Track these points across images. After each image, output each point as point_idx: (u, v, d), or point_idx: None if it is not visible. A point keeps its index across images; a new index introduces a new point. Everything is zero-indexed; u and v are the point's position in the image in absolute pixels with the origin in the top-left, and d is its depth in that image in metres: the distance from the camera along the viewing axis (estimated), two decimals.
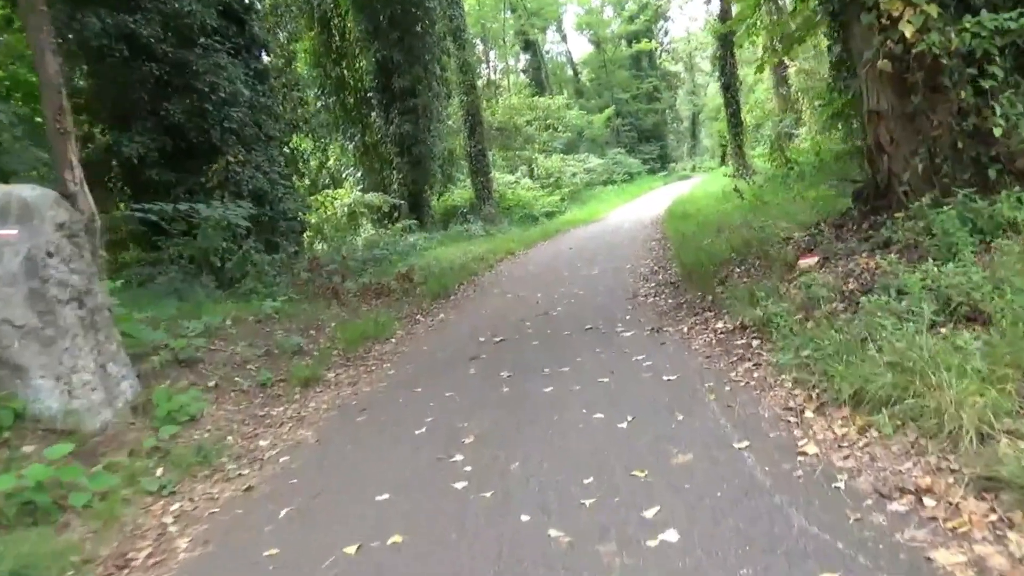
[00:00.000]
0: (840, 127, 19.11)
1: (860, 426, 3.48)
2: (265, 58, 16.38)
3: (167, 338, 7.01)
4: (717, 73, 24.74)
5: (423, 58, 20.21)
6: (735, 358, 5.07)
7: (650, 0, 45.04)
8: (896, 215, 5.76)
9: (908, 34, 5.20)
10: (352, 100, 22.11)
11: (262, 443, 5.32)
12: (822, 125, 23.53)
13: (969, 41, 5.04)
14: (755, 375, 4.62)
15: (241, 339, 7.79)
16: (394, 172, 20.94)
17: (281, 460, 4.88)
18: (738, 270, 7.65)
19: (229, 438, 5.49)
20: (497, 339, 7.49)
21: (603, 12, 47.46)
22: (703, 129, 57.78)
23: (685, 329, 6.25)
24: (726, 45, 23.94)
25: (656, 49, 48.19)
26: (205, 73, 12.78)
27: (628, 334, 6.52)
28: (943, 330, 4.09)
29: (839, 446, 3.36)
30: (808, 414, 3.80)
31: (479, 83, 30.12)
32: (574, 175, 33.71)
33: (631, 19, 45.47)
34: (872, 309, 4.51)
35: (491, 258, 15.68)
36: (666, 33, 50.56)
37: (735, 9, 25.38)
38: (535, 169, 31.44)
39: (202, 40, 12.87)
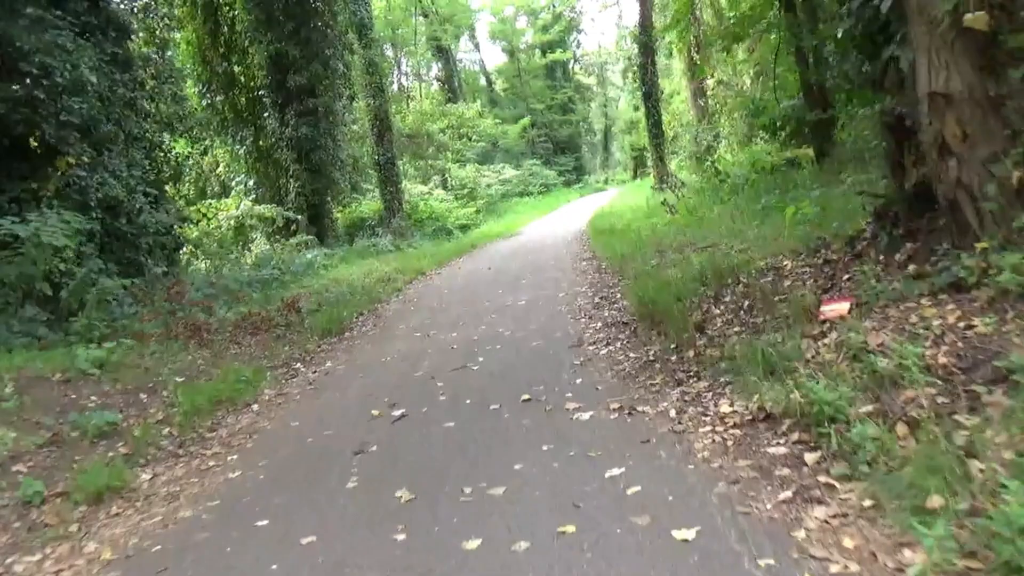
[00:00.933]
0: (768, 138, 17.80)
1: None
2: (132, 44, 13.53)
3: None
4: (638, 82, 23.21)
5: (323, 53, 17.65)
6: (786, 488, 2.97)
7: (563, 11, 43.63)
8: (979, 244, 3.83)
9: None
10: (244, 99, 19.27)
11: None
12: (742, 136, 22.35)
13: None
14: (850, 542, 2.50)
15: (19, 416, 5.20)
16: (291, 180, 18.23)
17: None
18: (717, 311, 5.64)
19: None
20: (397, 412, 5.19)
21: (516, 21, 45.78)
22: (615, 142, 57.07)
23: (672, 412, 4.12)
24: (647, 53, 22.44)
25: (570, 60, 46.85)
26: (35, 52, 9.96)
27: (586, 416, 4.35)
28: None
29: None
30: None
31: (389, 86, 27.68)
32: (489, 186, 31.69)
33: (545, 29, 43.93)
34: None
35: (399, 279, 13.33)
36: (579, 45, 49.39)
37: (657, 17, 24.00)
38: (448, 179, 29.20)
39: (30, 11, 10.05)
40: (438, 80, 42.32)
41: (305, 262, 15.68)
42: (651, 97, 22.64)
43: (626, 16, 58.66)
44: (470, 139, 33.28)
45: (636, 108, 49.31)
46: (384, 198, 22.41)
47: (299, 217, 17.77)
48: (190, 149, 15.97)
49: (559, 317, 7.56)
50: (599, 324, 6.80)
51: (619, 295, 7.96)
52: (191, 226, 15.86)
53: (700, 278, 6.82)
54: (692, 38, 27.24)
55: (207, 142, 18.63)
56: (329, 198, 18.79)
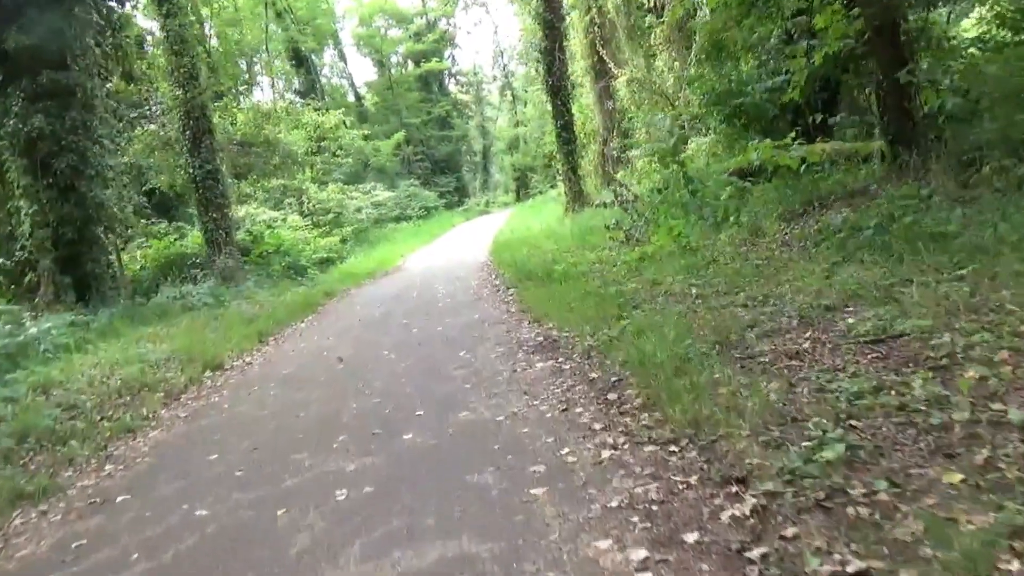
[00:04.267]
0: (738, 132, 12.11)
1: None
2: None
3: None
4: (542, 74, 17.02)
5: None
6: None
7: (438, 19, 37.20)
8: None
9: None
10: None
11: None
12: (665, 137, 16.73)
13: None
14: None
15: None
16: (24, 203, 10.52)
17: None
18: None
19: None
20: None
21: (387, 31, 38.65)
22: (493, 164, 51.19)
23: None
24: (554, 35, 16.35)
25: (445, 72, 40.40)
26: None
27: None
28: None
29: None
30: None
31: (221, 86, 20.03)
32: (359, 210, 24.54)
33: (418, 36, 37.23)
34: None
35: (162, 387, 6.26)
36: (454, 61, 43.04)
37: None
38: (306, 202, 21.83)
39: None
40: (299, 94, 34.58)
41: (16, 344, 8.15)
42: (560, 92, 16.53)
43: (501, 32, 53.39)
44: (334, 155, 26.06)
45: (518, 124, 43.67)
46: (205, 228, 14.88)
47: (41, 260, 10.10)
48: None
49: None
50: None
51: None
52: None
53: None
54: (596, 28, 21.75)
55: None
56: (100, 230, 11.16)
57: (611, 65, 20.39)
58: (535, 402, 3.99)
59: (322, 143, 24.40)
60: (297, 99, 34.06)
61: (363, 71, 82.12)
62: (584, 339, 4.98)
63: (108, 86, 11.59)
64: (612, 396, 3.75)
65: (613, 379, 4.00)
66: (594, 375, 4.22)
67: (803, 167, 8.23)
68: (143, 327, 10.04)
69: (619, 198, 10.14)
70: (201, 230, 15.17)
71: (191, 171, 14.72)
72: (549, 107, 16.56)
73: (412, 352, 6.16)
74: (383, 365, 5.86)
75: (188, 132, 14.64)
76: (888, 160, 7.31)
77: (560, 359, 4.82)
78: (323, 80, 38.54)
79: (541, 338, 5.58)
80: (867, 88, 9.47)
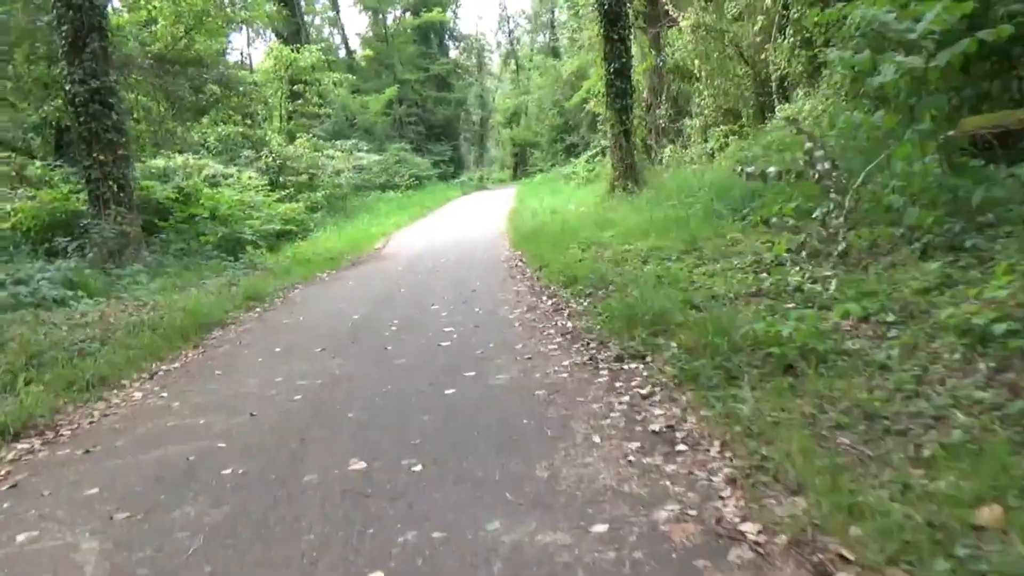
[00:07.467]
0: None
1: None
2: None
3: None
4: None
5: None
6: None
7: None
8: None
9: None
10: None
11: None
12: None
13: None
14: None
15: None
16: None
17: None
18: None
19: None
20: None
21: None
22: (491, 137, 45.35)
23: None
24: None
25: (447, 25, 34.19)
26: None
27: None
28: None
29: None
30: None
31: None
32: (338, 173, 18.76)
33: None
34: None
35: None
36: (456, 17, 36.86)
37: None
38: (266, 156, 16.02)
39: None
40: (280, 36, 28.29)
41: None
42: (618, 22, 10.94)
43: None
44: (313, 106, 20.17)
45: (524, 92, 37.79)
46: (88, 176, 9.17)
47: None
48: None
49: None
50: None
51: None
52: None
53: None
54: None
55: None
56: None
57: (668, 6, 14.87)
58: None
59: (295, 87, 18.57)
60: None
61: (356, 26, 74.74)
62: None
63: None
64: None
65: None
66: None
67: None
68: None
69: (814, 164, 4.72)
70: (83, 179, 9.50)
71: (67, 88, 9.00)
72: (601, 41, 10.98)
73: None
74: None
75: (65, 26, 8.88)
76: None
77: None
78: (311, 32, 32.28)
79: None
80: None
